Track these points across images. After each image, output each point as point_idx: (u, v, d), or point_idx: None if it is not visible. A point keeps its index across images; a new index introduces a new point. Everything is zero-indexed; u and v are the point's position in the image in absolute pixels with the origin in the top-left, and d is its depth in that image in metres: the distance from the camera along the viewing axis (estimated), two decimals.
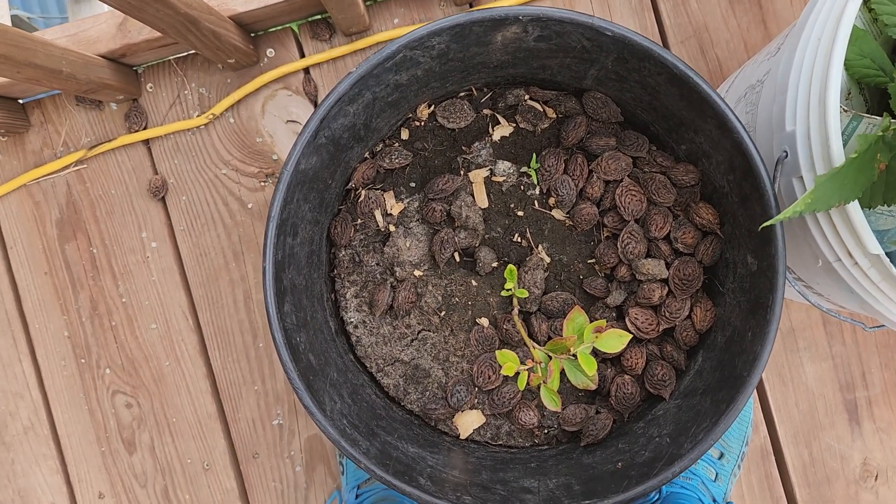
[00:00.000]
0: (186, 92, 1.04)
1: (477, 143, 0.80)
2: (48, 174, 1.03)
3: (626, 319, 0.77)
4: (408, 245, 0.79)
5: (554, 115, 0.80)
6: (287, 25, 1.03)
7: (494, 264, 0.79)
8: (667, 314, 0.77)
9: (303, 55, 1.04)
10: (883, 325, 0.73)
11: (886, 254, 0.68)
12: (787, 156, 0.65)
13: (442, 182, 0.78)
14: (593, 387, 0.74)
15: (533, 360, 0.69)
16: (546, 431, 0.80)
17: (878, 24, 0.70)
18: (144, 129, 1.03)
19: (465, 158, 0.80)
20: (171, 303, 1.04)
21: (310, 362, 0.70)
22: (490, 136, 0.80)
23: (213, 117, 1.03)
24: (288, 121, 1.03)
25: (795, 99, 0.64)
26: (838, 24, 0.62)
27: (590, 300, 0.80)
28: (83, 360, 1.04)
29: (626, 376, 0.78)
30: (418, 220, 0.80)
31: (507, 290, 0.77)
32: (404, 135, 0.81)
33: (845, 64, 0.66)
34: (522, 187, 0.80)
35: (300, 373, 0.67)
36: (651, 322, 0.77)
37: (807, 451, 1.02)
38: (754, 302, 0.69)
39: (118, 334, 1.04)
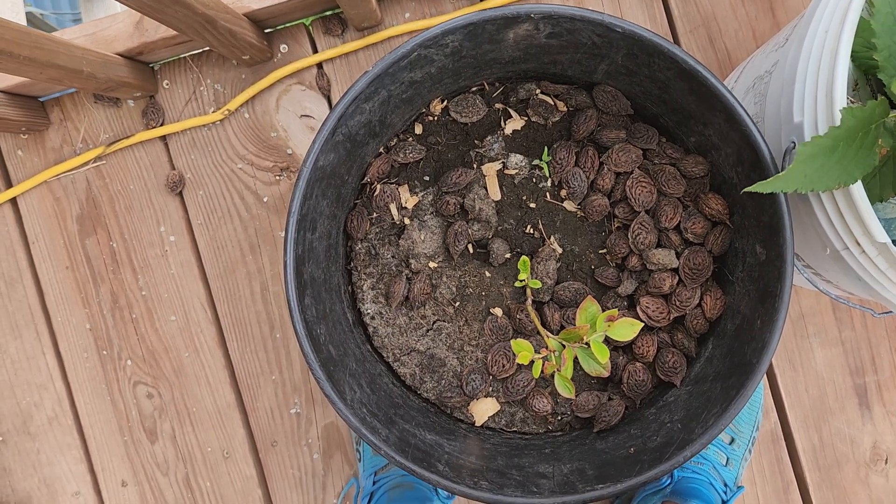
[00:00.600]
0: (202, 88, 1.05)
1: (489, 137, 0.81)
2: (68, 171, 1.05)
3: (638, 308, 0.79)
4: (422, 237, 0.81)
5: (565, 109, 0.81)
6: (300, 21, 1.04)
7: (507, 255, 0.81)
8: (677, 303, 0.78)
9: (315, 50, 1.05)
10: (891, 312, 0.73)
11: (894, 242, 0.69)
12: (795, 147, 0.66)
13: (455, 175, 0.80)
14: (606, 374, 0.75)
15: (547, 349, 0.70)
16: (560, 418, 0.81)
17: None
18: (161, 125, 1.05)
19: (477, 152, 0.81)
20: (190, 295, 1.06)
21: (330, 353, 0.72)
22: (502, 129, 0.81)
23: (229, 113, 1.04)
24: (302, 115, 1.05)
25: (803, 90, 0.65)
26: (845, 16, 0.62)
27: (601, 290, 0.81)
28: (105, 352, 1.07)
29: (638, 364, 0.79)
30: (432, 212, 0.82)
31: (521, 280, 0.79)
32: (418, 129, 0.82)
33: (852, 55, 0.66)
34: (534, 180, 0.81)
35: (321, 363, 0.69)
36: (662, 311, 0.78)
37: (817, 436, 1.03)
38: (763, 290, 0.70)
39: (139, 326, 1.06)
